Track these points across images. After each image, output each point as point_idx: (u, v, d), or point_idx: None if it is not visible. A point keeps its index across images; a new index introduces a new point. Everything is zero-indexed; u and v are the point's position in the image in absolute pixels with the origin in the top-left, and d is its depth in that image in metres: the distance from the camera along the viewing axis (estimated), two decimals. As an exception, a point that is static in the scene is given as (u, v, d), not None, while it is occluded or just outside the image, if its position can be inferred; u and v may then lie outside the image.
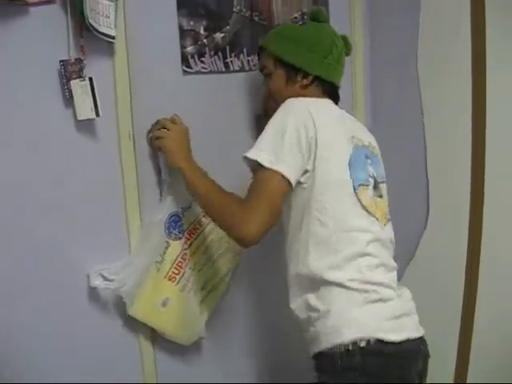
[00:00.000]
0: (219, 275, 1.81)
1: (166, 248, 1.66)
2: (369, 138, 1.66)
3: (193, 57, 1.71)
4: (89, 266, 1.54)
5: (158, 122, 1.62)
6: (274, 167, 1.41)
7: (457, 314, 2.05)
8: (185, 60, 1.70)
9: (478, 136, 1.97)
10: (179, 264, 1.68)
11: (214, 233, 1.77)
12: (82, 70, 1.45)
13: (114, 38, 1.49)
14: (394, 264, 1.57)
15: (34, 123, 1.43)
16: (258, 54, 1.75)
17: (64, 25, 1.43)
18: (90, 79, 1.45)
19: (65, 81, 1.44)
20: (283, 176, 1.42)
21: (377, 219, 1.53)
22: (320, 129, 1.46)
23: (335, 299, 1.44)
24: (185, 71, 1.70)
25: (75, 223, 1.52)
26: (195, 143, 1.63)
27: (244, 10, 1.81)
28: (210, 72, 1.75)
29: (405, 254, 2.06)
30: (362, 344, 1.38)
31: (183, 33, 1.68)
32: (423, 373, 1.51)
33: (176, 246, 1.67)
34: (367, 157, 1.58)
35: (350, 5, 2.13)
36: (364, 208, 1.50)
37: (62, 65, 1.42)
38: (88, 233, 1.55)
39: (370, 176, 1.55)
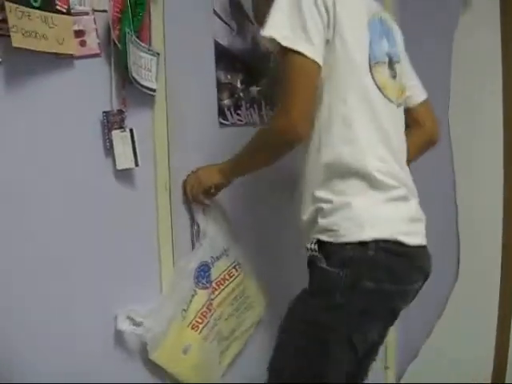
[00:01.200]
0: (243, 327, 1.81)
1: (193, 296, 1.65)
2: (381, 9, 1.56)
3: (229, 109, 1.75)
4: (117, 307, 1.54)
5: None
6: (297, 47, 1.30)
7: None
8: (221, 112, 1.74)
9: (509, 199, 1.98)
10: (204, 313, 1.67)
11: (241, 285, 1.77)
12: (123, 120, 1.48)
13: (154, 90, 1.54)
14: (404, 158, 1.51)
15: (75, 172, 1.45)
16: None
17: (107, 77, 1.48)
18: (131, 130, 1.49)
19: (106, 131, 1.47)
20: (310, 59, 1.31)
21: (390, 100, 1.46)
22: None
23: (357, 192, 1.37)
24: (221, 123, 1.74)
25: (110, 265, 1.53)
26: (230, 195, 1.65)
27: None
28: (246, 124, 1.79)
29: (434, 311, 2.05)
30: (381, 244, 1.33)
31: (220, 86, 1.73)
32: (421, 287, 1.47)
33: (202, 296, 1.67)
34: (383, 31, 1.49)
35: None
36: (378, 87, 1.42)
37: (105, 116, 1.46)
38: (120, 275, 1.55)
39: (385, 54, 1.47)
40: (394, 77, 1.50)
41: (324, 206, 1.39)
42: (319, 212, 1.40)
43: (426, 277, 1.47)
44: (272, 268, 1.87)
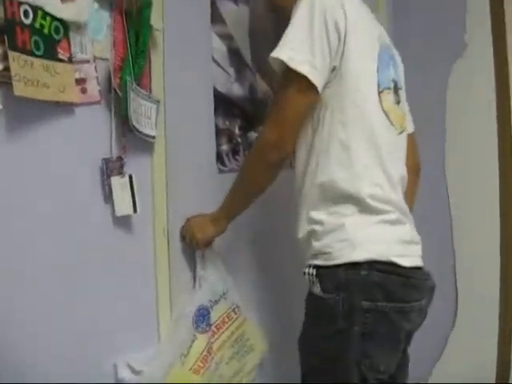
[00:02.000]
0: (244, 370, 1.78)
1: (193, 341, 1.63)
2: (386, 35, 1.57)
3: (227, 155, 1.76)
4: (116, 355, 1.52)
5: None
6: (298, 68, 1.33)
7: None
8: (220, 158, 1.75)
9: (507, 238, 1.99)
10: (205, 357, 1.64)
11: (241, 328, 1.76)
12: (122, 167, 1.49)
13: (154, 137, 1.55)
14: (404, 183, 1.52)
15: (73, 217, 1.45)
16: None
17: (108, 124, 1.49)
18: (130, 176, 1.49)
19: (105, 177, 1.47)
20: (311, 82, 1.33)
21: (394, 126, 1.47)
22: (351, 23, 1.36)
23: (351, 214, 1.38)
24: (219, 169, 1.75)
25: (108, 312, 1.51)
26: (229, 240, 1.65)
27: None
28: (244, 170, 1.79)
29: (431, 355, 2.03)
30: (374, 265, 1.34)
31: (219, 132, 1.75)
32: (427, 305, 1.47)
33: (203, 340, 1.65)
34: (390, 57, 1.51)
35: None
36: (385, 113, 1.44)
37: (104, 162, 1.47)
38: (118, 322, 1.53)
39: (391, 80, 1.49)
40: (398, 103, 1.53)
41: (317, 227, 1.41)
42: (312, 234, 1.42)
43: (429, 294, 1.47)
44: (271, 309, 1.86)
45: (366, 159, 1.40)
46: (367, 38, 1.44)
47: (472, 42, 2.16)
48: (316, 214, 1.41)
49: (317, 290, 1.38)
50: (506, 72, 2.07)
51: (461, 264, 2.18)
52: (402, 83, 1.57)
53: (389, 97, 1.47)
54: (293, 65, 1.33)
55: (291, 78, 1.35)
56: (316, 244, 1.41)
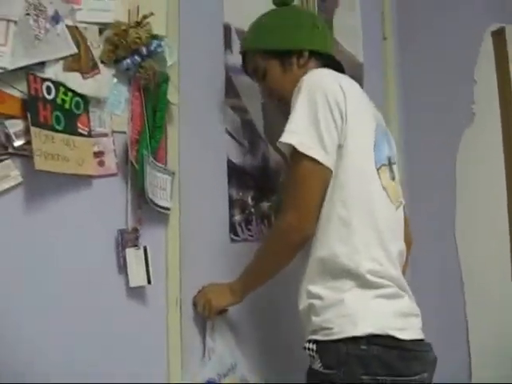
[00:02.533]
0: None
1: (202, 415, 1.61)
2: (377, 111, 1.60)
3: (240, 225, 1.78)
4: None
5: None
6: (311, 153, 1.36)
7: None
8: (233, 228, 1.77)
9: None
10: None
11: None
12: (137, 238, 1.51)
13: (169, 209, 1.57)
14: (402, 256, 1.53)
15: (88, 287, 1.46)
16: (244, 64, 1.70)
17: (124, 196, 1.52)
18: (145, 248, 1.51)
19: (120, 248, 1.49)
20: (323, 165, 1.37)
21: (392, 202, 1.49)
22: (350, 103, 1.40)
23: (349, 289, 1.38)
24: (232, 239, 1.77)
25: (118, 381, 1.48)
26: (242, 310, 1.65)
27: (289, 180, 1.90)
28: (257, 239, 1.81)
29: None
30: (373, 339, 1.33)
31: (232, 202, 1.77)
32: (431, 378, 1.44)
33: (212, 413, 1.63)
34: (384, 134, 1.54)
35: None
36: (384, 189, 1.46)
37: (120, 233, 1.49)
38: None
39: (386, 156, 1.51)
40: (393, 178, 1.55)
41: (316, 302, 1.41)
42: (311, 309, 1.42)
43: (432, 366, 1.45)
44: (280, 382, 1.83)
45: (365, 235, 1.42)
46: (365, 116, 1.48)
47: (480, 112, 2.21)
48: (314, 288, 1.42)
49: (318, 365, 1.38)
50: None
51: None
52: (395, 158, 1.60)
53: (386, 173, 1.49)
54: (302, 149, 1.36)
55: (302, 161, 1.38)
56: (316, 319, 1.41)
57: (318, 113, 1.37)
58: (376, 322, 1.36)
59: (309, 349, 1.41)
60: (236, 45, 1.83)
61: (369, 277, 1.39)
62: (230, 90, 1.81)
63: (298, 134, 1.38)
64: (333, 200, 1.41)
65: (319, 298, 1.41)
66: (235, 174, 1.79)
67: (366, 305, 1.38)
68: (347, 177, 1.41)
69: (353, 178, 1.42)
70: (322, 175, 1.40)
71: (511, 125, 2.10)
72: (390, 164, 1.54)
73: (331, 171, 1.40)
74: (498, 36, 2.14)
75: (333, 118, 1.38)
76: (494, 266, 2.12)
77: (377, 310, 1.39)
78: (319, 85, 1.41)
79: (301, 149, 1.36)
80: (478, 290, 2.15)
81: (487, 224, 2.15)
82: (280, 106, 1.61)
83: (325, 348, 1.38)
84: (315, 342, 1.40)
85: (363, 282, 1.39)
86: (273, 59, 1.59)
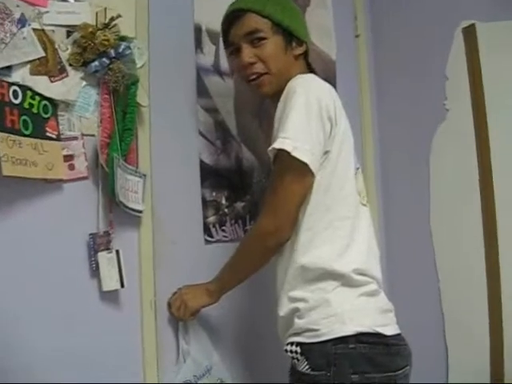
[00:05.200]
0: None
1: (180, 417, 1.61)
2: None
3: (214, 226, 1.78)
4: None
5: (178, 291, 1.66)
6: (300, 157, 1.35)
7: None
8: (207, 229, 1.76)
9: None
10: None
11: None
12: (109, 242, 1.50)
13: (141, 211, 1.57)
14: (378, 253, 1.54)
15: (60, 293, 1.44)
16: (229, 23, 1.57)
17: (95, 200, 1.51)
18: (117, 251, 1.50)
19: (92, 252, 1.48)
20: (308, 169, 1.37)
21: (365, 203, 1.53)
22: (338, 110, 1.43)
23: (333, 289, 1.39)
24: (206, 240, 1.76)
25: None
26: (217, 313, 1.65)
27: (264, 180, 1.91)
28: (231, 240, 1.81)
29: None
30: (361, 337, 1.35)
31: (206, 203, 1.76)
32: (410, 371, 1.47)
33: (189, 415, 1.63)
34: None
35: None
36: (358, 191, 1.49)
37: (91, 237, 1.48)
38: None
39: (356, 159, 1.55)
40: (361, 181, 1.57)
41: (299, 305, 1.41)
42: (295, 312, 1.42)
43: (410, 359, 1.47)
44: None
45: (348, 235, 1.43)
46: (346, 122, 1.50)
47: (452, 108, 2.23)
48: (297, 293, 1.42)
49: (304, 367, 1.37)
50: (486, 135, 2.13)
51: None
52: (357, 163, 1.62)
53: (359, 176, 1.54)
54: (296, 154, 1.35)
55: (289, 166, 1.38)
56: (299, 322, 1.40)
57: (311, 119, 1.38)
58: (363, 319, 1.38)
59: (291, 351, 1.41)
60: (207, 45, 1.83)
61: (353, 275, 1.40)
62: (202, 90, 1.80)
63: (291, 139, 1.36)
64: (315, 204, 1.42)
65: (303, 300, 1.41)
66: (208, 174, 1.78)
67: (352, 303, 1.40)
68: (330, 181, 1.42)
69: (335, 183, 1.43)
70: (308, 181, 1.40)
71: (483, 120, 2.11)
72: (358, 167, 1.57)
73: (314, 176, 1.40)
74: (469, 33, 2.16)
75: (323, 125, 1.39)
76: (468, 259, 2.14)
77: (363, 308, 1.41)
78: (314, 92, 1.40)
79: (294, 153, 1.35)
80: (453, 285, 2.18)
81: (461, 219, 2.17)
82: (250, 87, 1.58)
83: (311, 349, 1.38)
84: (298, 344, 1.40)
85: (347, 281, 1.40)
86: (278, 35, 1.54)
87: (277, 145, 1.38)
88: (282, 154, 1.37)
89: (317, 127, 1.38)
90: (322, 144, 1.40)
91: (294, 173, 1.39)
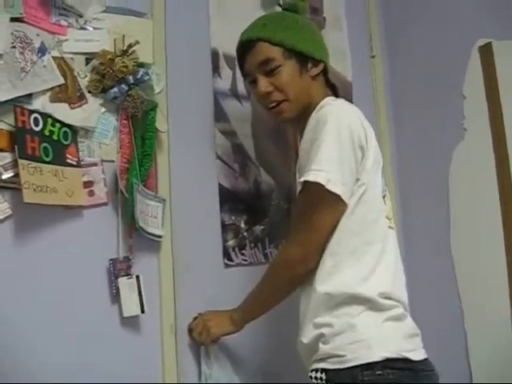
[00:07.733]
0: None
1: None
2: None
3: (234, 250, 1.77)
4: None
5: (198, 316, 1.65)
6: (334, 190, 1.34)
7: None
8: (226, 253, 1.76)
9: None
10: None
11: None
12: (129, 267, 1.50)
13: (160, 236, 1.57)
14: (404, 277, 1.51)
15: (80, 318, 1.45)
16: (242, 53, 1.57)
17: (115, 225, 1.52)
18: (137, 277, 1.50)
19: (113, 278, 1.48)
20: (341, 199, 1.35)
21: (392, 226, 1.51)
22: (368, 138, 1.41)
23: (359, 313, 1.36)
24: (226, 264, 1.76)
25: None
26: (239, 337, 1.63)
27: (282, 202, 1.90)
28: (251, 264, 1.80)
29: None
30: (388, 363, 1.31)
31: (225, 227, 1.76)
32: None
33: None
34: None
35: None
36: (387, 216, 1.48)
37: (112, 263, 1.48)
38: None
39: (384, 187, 1.53)
40: (389, 204, 1.56)
41: (324, 330, 1.38)
42: (320, 338, 1.39)
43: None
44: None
45: (373, 260, 1.41)
46: (376, 143, 1.47)
47: (470, 127, 2.21)
48: (322, 319, 1.40)
49: None
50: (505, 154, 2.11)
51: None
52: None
53: (387, 201, 1.52)
54: (331, 187, 1.34)
55: (322, 197, 1.36)
56: (324, 347, 1.38)
57: (343, 150, 1.36)
58: (390, 345, 1.35)
59: (316, 378, 1.38)
60: (224, 70, 1.84)
61: (379, 299, 1.38)
62: (220, 114, 1.81)
63: (325, 172, 1.35)
64: (341, 230, 1.40)
65: (328, 325, 1.38)
66: (227, 198, 1.78)
67: (378, 328, 1.37)
68: (357, 206, 1.41)
69: (363, 208, 1.41)
70: (340, 210, 1.39)
71: (502, 139, 2.09)
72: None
73: (347, 206, 1.39)
74: (486, 51, 2.15)
75: (355, 156, 1.38)
76: (490, 279, 2.11)
77: (389, 333, 1.38)
78: (345, 121, 1.39)
79: (328, 186, 1.34)
80: (476, 305, 2.14)
81: (482, 238, 2.14)
82: (271, 114, 1.57)
83: (336, 376, 1.35)
84: (323, 370, 1.37)
85: (373, 305, 1.38)
86: (291, 59, 1.52)
87: (311, 178, 1.36)
88: (315, 185, 1.36)
89: (349, 157, 1.37)
90: (354, 173, 1.39)
91: (327, 204, 1.37)
